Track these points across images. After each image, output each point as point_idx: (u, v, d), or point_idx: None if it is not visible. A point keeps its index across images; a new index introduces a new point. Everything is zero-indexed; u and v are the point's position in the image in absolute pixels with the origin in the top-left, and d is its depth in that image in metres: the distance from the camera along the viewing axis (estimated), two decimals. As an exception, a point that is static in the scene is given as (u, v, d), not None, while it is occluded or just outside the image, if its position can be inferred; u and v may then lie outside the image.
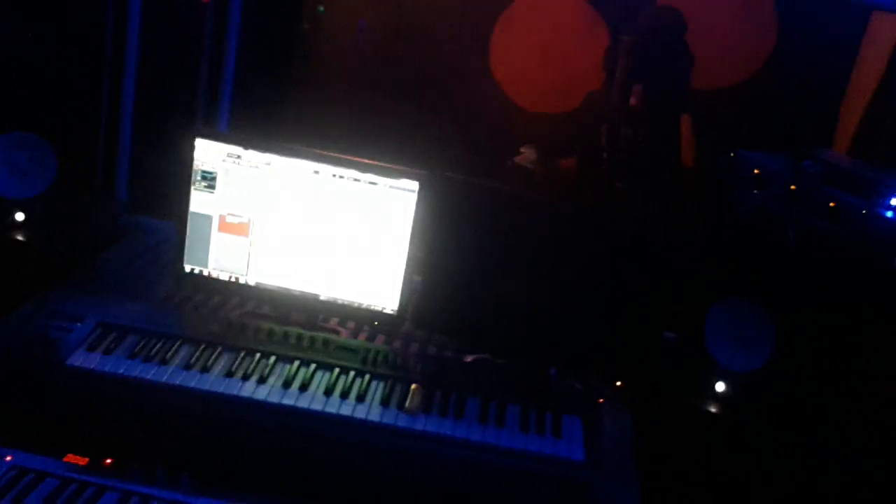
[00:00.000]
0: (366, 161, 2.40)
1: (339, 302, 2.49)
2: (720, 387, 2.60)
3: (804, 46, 3.76)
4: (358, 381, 2.26)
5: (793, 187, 2.63)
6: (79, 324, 2.27)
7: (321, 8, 3.91)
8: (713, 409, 2.59)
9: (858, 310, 2.53)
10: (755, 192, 2.69)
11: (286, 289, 2.50)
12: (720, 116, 3.78)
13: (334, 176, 2.41)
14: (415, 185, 2.39)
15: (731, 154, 2.87)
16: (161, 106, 3.19)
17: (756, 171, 2.73)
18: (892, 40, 3.47)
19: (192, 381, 2.16)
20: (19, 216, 2.86)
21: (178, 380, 2.16)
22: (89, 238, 2.94)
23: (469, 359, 2.40)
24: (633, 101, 3.30)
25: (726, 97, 3.87)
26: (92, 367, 2.16)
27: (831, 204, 2.55)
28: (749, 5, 3.91)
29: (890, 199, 2.55)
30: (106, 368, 2.16)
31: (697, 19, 3.74)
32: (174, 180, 2.53)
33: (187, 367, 2.20)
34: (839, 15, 3.64)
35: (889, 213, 2.53)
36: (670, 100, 3.31)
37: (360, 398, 2.20)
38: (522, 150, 3.72)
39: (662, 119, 3.29)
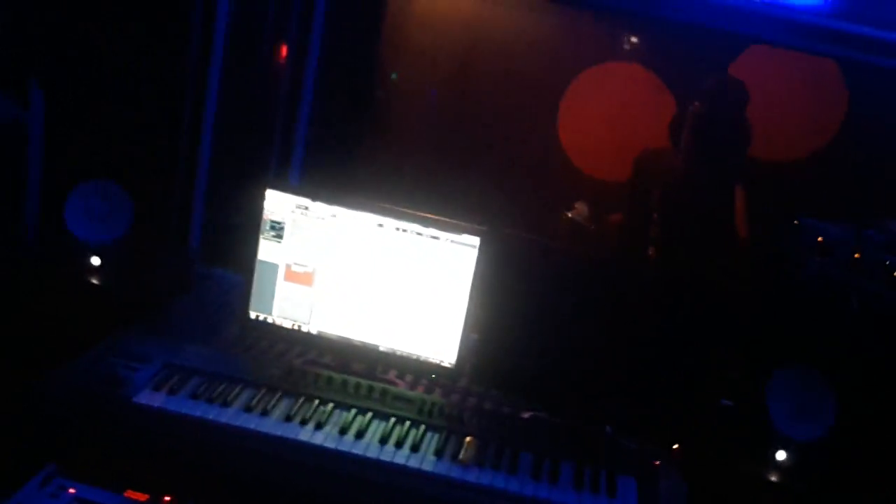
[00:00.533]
0: (428, 216, 2.46)
1: (398, 353, 2.53)
2: (780, 455, 2.56)
3: (873, 117, 3.75)
4: (413, 431, 2.29)
5: (857, 255, 2.61)
6: (146, 364, 2.35)
7: (394, 75, 4.04)
8: (773, 478, 2.54)
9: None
10: (817, 259, 2.67)
11: (347, 338, 2.55)
12: (788, 186, 3.78)
13: (397, 230, 2.47)
14: (476, 240, 2.44)
15: (795, 221, 2.86)
16: (236, 161, 3.30)
17: (819, 239, 2.72)
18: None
19: (252, 423, 2.21)
20: (95, 260, 2.97)
21: (239, 421, 2.21)
22: (161, 284, 3.04)
23: (525, 415, 2.40)
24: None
25: (795, 167, 3.88)
26: (157, 405, 2.22)
27: (895, 273, 2.53)
28: (819, 77, 3.92)
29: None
30: (170, 407, 2.22)
31: (769, 91, 3.77)
32: (245, 230, 2.63)
33: (248, 409, 2.25)
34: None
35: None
36: (727, 168, 3.32)
37: (415, 448, 2.22)
38: (576, 205, 3.74)
39: (718, 186, 3.29)
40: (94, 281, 2.98)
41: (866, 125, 3.82)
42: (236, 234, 2.95)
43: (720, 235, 3.19)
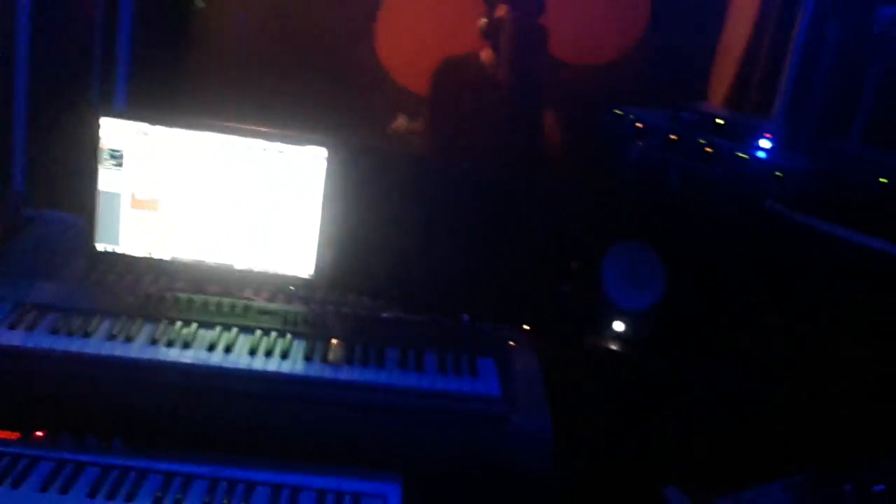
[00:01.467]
0: (273, 130, 2.48)
1: (255, 270, 2.57)
2: (618, 326, 2.79)
3: (675, 18, 3.99)
4: (280, 340, 2.35)
5: (673, 136, 2.83)
6: (-5, 306, 2.29)
7: (201, 4, 3.88)
8: (613, 347, 2.77)
9: (736, 245, 2.74)
10: (638, 143, 2.88)
11: (201, 261, 2.56)
12: (605, 81, 3.99)
13: (242, 146, 2.48)
14: (323, 151, 2.49)
15: (614, 110, 3.06)
16: (55, 89, 3.17)
17: (638, 125, 2.92)
18: (756, 5, 3.73)
19: (118, 349, 2.21)
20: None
21: (104, 350, 2.21)
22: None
23: (386, 314, 2.51)
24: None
25: (607, 67, 4.08)
26: (15, 343, 2.18)
27: (708, 149, 2.76)
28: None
29: (758, 141, 2.79)
30: (30, 344, 2.19)
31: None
32: (78, 162, 2.56)
33: (111, 337, 2.25)
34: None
35: (760, 154, 2.76)
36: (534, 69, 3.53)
37: (284, 355, 2.29)
38: (397, 119, 3.81)
39: (528, 88, 3.50)
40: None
41: (669, 20, 4.06)
42: (68, 169, 2.88)
43: (534, 133, 3.41)
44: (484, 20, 3.62)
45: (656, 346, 2.73)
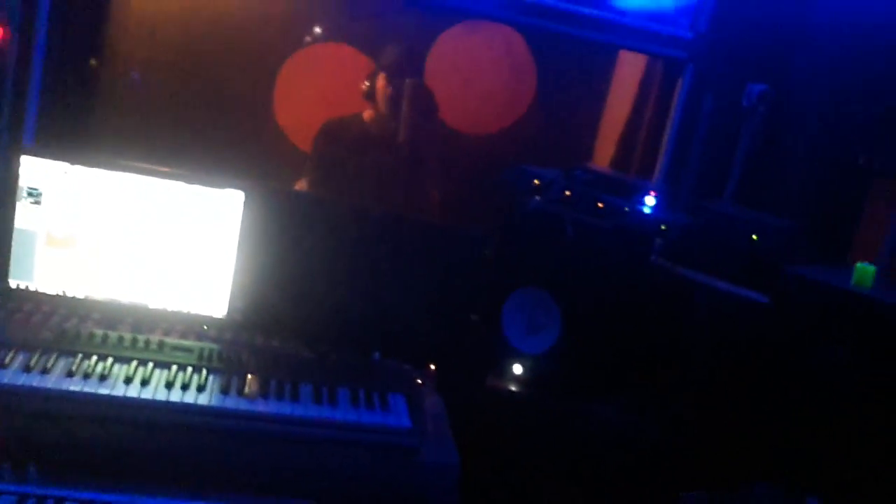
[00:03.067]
0: (192, 173, 2.57)
1: (169, 309, 2.62)
2: (517, 368, 2.95)
3: (563, 86, 4.29)
4: (196, 375, 2.40)
5: (567, 192, 3.06)
6: None
7: (93, 61, 3.94)
8: (512, 388, 2.93)
9: (625, 292, 2.97)
10: (536, 197, 3.09)
11: (115, 299, 2.60)
12: (496, 147, 4.24)
13: (161, 188, 2.56)
14: (240, 194, 2.59)
15: (513, 169, 3.27)
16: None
17: (536, 182, 3.14)
18: (638, 73, 4.06)
19: (34, 381, 2.23)
20: None
21: (20, 381, 2.22)
22: None
23: (300, 352, 2.60)
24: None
25: (500, 134, 4.34)
26: (-72, 375, 2.17)
27: (600, 204, 2.99)
28: (509, 58, 4.39)
29: (644, 198, 3.04)
30: (-59, 376, 2.18)
31: (466, 72, 4.21)
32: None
33: (27, 369, 2.26)
34: (591, 56, 4.19)
35: (646, 209, 3.01)
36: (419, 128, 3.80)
37: (201, 389, 2.35)
38: (298, 183, 3.97)
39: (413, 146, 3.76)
40: None
41: (555, 89, 4.35)
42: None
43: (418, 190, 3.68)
44: (366, 83, 3.88)
45: (553, 386, 2.90)
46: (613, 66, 4.25)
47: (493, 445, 2.78)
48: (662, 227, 2.94)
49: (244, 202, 2.59)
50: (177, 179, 2.57)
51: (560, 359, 2.93)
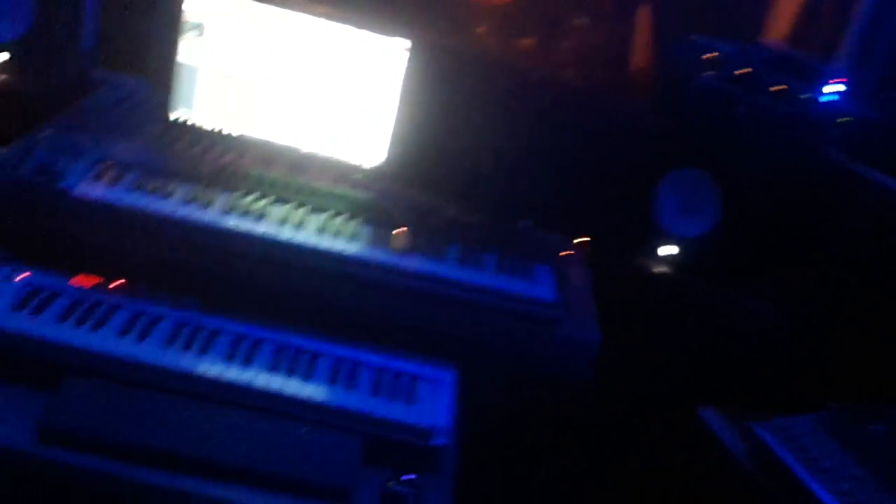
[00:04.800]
0: (360, 16, 2.50)
1: (325, 155, 2.62)
2: (665, 250, 2.86)
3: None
4: (348, 224, 2.43)
5: (742, 71, 2.86)
6: (78, 159, 2.36)
7: None
8: (660, 270, 2.86)
9: (790, 184, 2.81)
10: (707, 73, 2.91)
11: (271, 140, 2.61)
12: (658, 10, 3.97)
13: (327, 29, 2.51)
14: (407, 43, 2.52)
15: (684, 39, 3.08)
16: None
17: (708, 56, 2.95)
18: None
19: (195, 214, 2.29)
20: (2, 56, 2.86)
21: (181, 212, 2.29)
22: (62, 86, 2.98)
23: (451, 212, 2.57)
24: None
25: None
26: (98, 196, 2.26)
27: (776, 87, 2.79)
28: None
29: (827, 85, 2.82)
30: (111, 199, 2.27)
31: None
32: (153, 29, 2.59)
33: (189, 202, 2.33)
34: None
35: (827, 98, 2.80)
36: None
37: (351, 238, 2.37)
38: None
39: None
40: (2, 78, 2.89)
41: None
42: (139, 34, 2.91)
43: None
44: None
45: (704, 272, 2.80)
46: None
47: (633, 326, 2.74)
48: (842, 120, 2.73)
49: (410, 52, 2.52)
50: (344, 22, 2.51)
51: (713, 245, 2.82)
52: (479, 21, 3.42)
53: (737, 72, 2.93)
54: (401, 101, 2.54)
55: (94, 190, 2.27)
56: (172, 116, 2.61)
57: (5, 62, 2.86)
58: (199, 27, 2.53)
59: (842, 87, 2.79)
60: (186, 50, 2.55)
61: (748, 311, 2.76)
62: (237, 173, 2.49)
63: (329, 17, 2.51)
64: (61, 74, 3.04)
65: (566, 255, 2.56)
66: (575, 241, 2.64)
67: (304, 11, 2.50)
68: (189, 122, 2.61)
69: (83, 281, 2.18)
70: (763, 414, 2.30)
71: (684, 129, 2.90)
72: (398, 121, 2.55)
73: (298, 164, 2.61)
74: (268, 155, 2.60)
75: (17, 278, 2.12)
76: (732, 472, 2.25)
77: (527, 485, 2.49)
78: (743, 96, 2.81)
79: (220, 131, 2.62)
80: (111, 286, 2.19)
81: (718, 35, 3.17)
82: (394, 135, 2.57)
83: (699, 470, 2.34)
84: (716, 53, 2.90)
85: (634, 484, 2.61)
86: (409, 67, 2.52)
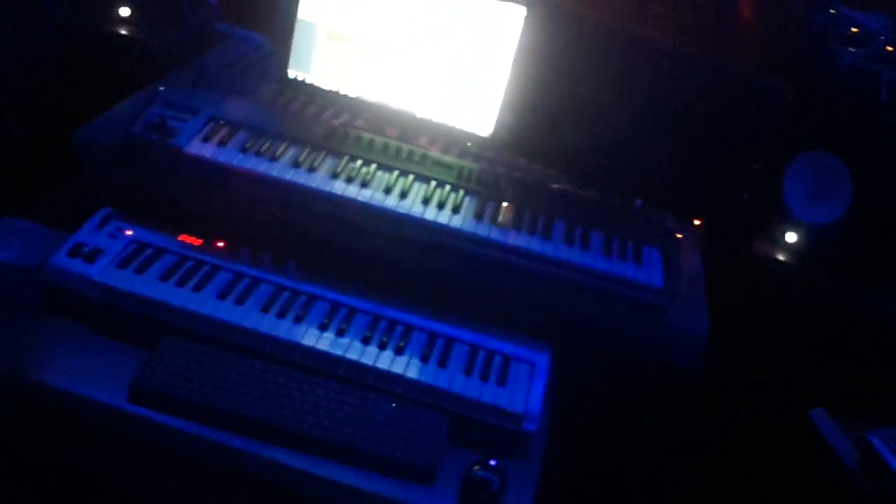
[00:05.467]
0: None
1: (435, 121, 2.56)
2: (791, 237, 2.70)
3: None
4: (453, 194, 2.38)
5: (890, 48, 2.64)
6: (192, 116, 2.38)
7: None
8: (782, 258, 2.69)
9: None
10: (850, 49, 2.70)
11: (384, 104, 2.57)
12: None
13: (445, -7, 2.44)
14: (522, 9, 2.43)
15: (829, 11, 2.86)
16: None
17: (853, 29, 2.73)
18: None
19: (301, 178, 2.29)
20: (124, 11, 2.92)
21: (288, 176, 2.28)
22: (186, 39, 3.03)
23: (559, 186, 2.49)
24: None
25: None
26: (208, 156, 2.28)
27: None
28: None
29: None
30: (220, 159, 2.28)
31: None
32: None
33: (295, 165, 2.32)
34: None
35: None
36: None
37: (456, 210, 2.32)
38: None
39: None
40: (124, 31, 2.95)
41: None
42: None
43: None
44: None
45: (830, 263, 2.63)
46: None
47: (748, 316, 2.60)
48: None
49: (525, 18, 2.43)
50: (460, -14, 2.44)
51: (842, 235, 2.63)
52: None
53: (889, 48, 2.71)
54: (513, 69, 2.45)
55: (204, 149, 2.29)
56: (290, 75, 2.60)
57: (126, 17, 2.91)
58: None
59: None
60: (306, 6, 2.53)
61: (875, 308, 2.57)
62: (347, 136, 2.47)
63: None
64: (184, 28, 3.09)
65: (678, 237, 2.44)
66: (689, 223, 2.52)
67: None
68: (305, 81, 2.60)
69: (187, 240, 2.21)
70: (880, 421, 2.16)
71: (821, 108, 2.70)
72: (509, 90, 2.47)
73: (411, 129, 2.56)
74: (381, 119, 2.57)
75: (124, 234, 2.17)
76: (840, 481, 2.12)
77: (619, 479, 2.42)
78: (888, 76, 2.59)
79: (335, 92, 2.59)
80: (214, 246, 2.22)
81: (872, 7, 2.94)
82: (503, 104, 2.49)
83: (804, 475, 2.22)
84: (858, 29, 2.68)
85: (733, 483, 2.50)
86: (523, 35, 2.42)
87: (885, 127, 2.56)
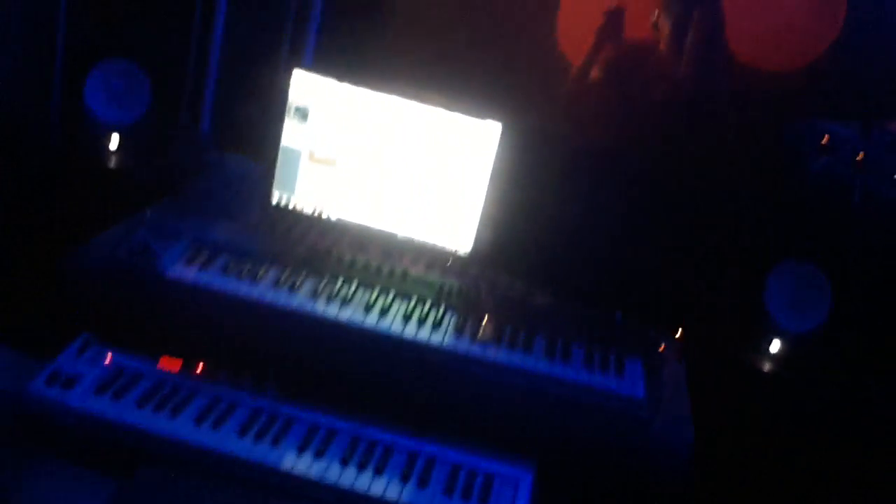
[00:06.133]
0: (453, 100, 2.50)
1: (416, 240, 2.60)
2: (775, 346, 2.69)
3: (873, 25, 3.76)
4: (433, 310, 2.39)
5: (861, 155, 2.69)
6: (175, 240, 2.42)
7: None
8: (766, 368, 2.68)
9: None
10: (823, 158, 2.76)
11: (366, 225, 2.61)
12: (793, 90, 3.82)
13: (422, 113, 2.51)
14: (497, 126, 2.49)
15: (801, 122, 2.93)
16: (249, 42, 3.28)
17: (825, 138, 2.79)
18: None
19: (281, 298, 2.31)
20: (114, 141, 3.00)
21: (268, 297, 2.31)
22: (177, 167, 3.09)
23: (539, 300, 2.50)
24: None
25: (793, 73, 3.90)
26: (190, 279, 2.31)
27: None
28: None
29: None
30: (202, 281, 2.31)
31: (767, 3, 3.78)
32: (263, 113, 2.66)
33: (276, 285, 2.35)
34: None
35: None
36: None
37: (436, 326, 2.33)
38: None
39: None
40: (114, 161, 3.03)
41: (865, 29, 3.83)
42: (253, 118, 2.99)
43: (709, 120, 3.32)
44: (656, 12, 3.54)
45: (813, 370, 2.62)
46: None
47: (736, 428, 2.57)
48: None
49: (500, 134, 2.50)
50: (437, 105, 2.51)
51: (826, 342, 2.63)
52: (573, 104, 3.40)
53: (859, 157, 2.76)
54: (490, 186, 2.51)
55: (186, 272, 2.32)
56: (274, 199, 2.66)
57: (116, 147, 2.99)
58: (304, 111, 2.57)
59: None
60: (290, 133, 2.60)
61: (862, 414, 2.55)
62: (329, 257, 2.50)
63: (424, 100, 2.51)
64: (175, 157, 3.17)
65: (661, 349, 2.44)
66: (670, 334, 2.52)
67: (399, 95, 2.52)
68: (289, 206, 2.65)
69: (166, 363, 2.22)
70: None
71: (798, 216, 2.74)
72: (487, 205, 2.52)
73: (392, 249, 2.60)
74: (364, 239, 2.61)
75: (103, 359, 2.17)
76: None
77: None
78: (860, 182, 2.64)
79: (318, 215, 2.65)
80: (193, 370, 2.22)
81: (846, 118, 3.00)
82: (482, 220, 2.54)
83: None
84: (828, 137, 2.74)
85: None
86: (499, 150, 2.48)
87: (859, 232, 2.59)
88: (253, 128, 2.99)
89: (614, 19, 3.49)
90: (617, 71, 3.56)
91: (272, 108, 2.62)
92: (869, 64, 3.67)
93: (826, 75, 3.69)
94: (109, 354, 2.20)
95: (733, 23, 3.55)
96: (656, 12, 3.56)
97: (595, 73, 3.59)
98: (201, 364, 2.24)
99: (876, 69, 3.60)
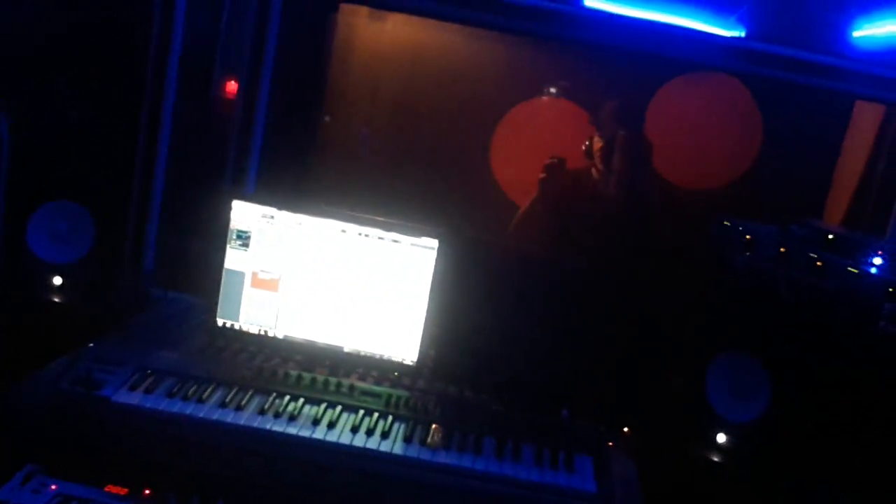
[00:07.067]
0: (389, 221, 2.61)
1: (362, 354, 2.66)
2: (721, 438, 2.74)
3: (792, 139, 4.02)
4: (381, 421, 2.41)
5: (782, 249, 2.83)
6: (120, 367, 2.43)
7: (327, 118, 4.14)
8: (715, 459, 2.72)
9: (846, 362, 2.69)
10: (746, 254, 2.89)
11: (312, 341, 2.67)
12: (715, 204, 4.02)
13: (360, 234, 2.62)
14: (434, 242, 2.59)
15: (724, 223, 3.08)
16: (190, 178, 3.38)
17: (747, 237, 2.93)
18: (875, 127, 3.73)
19: (228, 417, 2.31)
20: (57, 280, 3.03)
21: (215, 416, 2.31)
22: (120, 304, 3.12)
23: (486, 404, 2.53)
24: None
25: (721, 191, 4.11)
26: (134, 404, 2.30)
27: (819, 263, 2.74)
28: (733, 110, 4.17)
29: (873, 258, 2.75)
30: (147, 405, 2.31)
31: (690, 126, 4.04)
32: (206, 243, 2.73)
33: (223, 405, 2.35)
34: (823, 107, 3.89)
35: (873, 269, 2.73)
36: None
37: (385, 436, 2.34)
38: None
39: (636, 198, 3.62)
40: (57, 300, 3.04)
41: (783, 142, 4.08)
42: (195, 252, 3.06)
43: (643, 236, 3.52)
44: (587, 142, 3.80)
45: (757, 460, 2.66)
46: (849, 117, 3.92)
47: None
48: (892, 290, 2.65)
49: (437, 250, 2.60)
50: (374, 226, 2.62)
51: (768, 431, 2.69)
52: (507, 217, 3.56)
53: (782, 250, 2.90)
54: (430, 298, 2.58)
55: (130, 397, 2.32)
56: (219, 323, 2.69)
57: (58, 285, 3.02)
58: (245, 236, 2.65)
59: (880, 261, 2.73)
60: (233, 256, 2.67)
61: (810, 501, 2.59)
62: (275, 374, 2.52)
63: (360, 221, 2.61)
64: (119, 295, 3.20)
65: (609, 445, 2.47)
66: (618, 430, 2.55)
67: (336, 218, 2.61)
68: (234, 328, 2.69)
69: (113, 491, 2.19)
70: None
71: (730, 311, 2.84)
72: (429, 317, 2.59)
73: (339, 364, 2.64)
74: (310, 356, 2.65)
75: (48, 490, 2.14)
76: None
77: None
78: (783, 275, 2.76)
79: (263, 335, 2.69)
80: (139, 496, 2.19)
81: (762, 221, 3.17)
82: (425, 331, 2.60)
83: None
84: (750, 236, 2.88)
85: None
86: (437, 265, 2.57)
87: (788, 319, 2.69)
88: (196, 261, 3.05)
89: (556, 168, 3.74)
90: (558, 203, 3.76)
91: (215, 238, 2.69)
92: (791, 173, 3.92)
93: (747, 185, 3.94)
94: (55, 485, 2.17)
95: (662, 150, 3.81)
96: (587, 142, 3.79)
97: (540, 208, 3.79)
98: (148, 491, 2.21)
99: (798, 178, 3.85)
